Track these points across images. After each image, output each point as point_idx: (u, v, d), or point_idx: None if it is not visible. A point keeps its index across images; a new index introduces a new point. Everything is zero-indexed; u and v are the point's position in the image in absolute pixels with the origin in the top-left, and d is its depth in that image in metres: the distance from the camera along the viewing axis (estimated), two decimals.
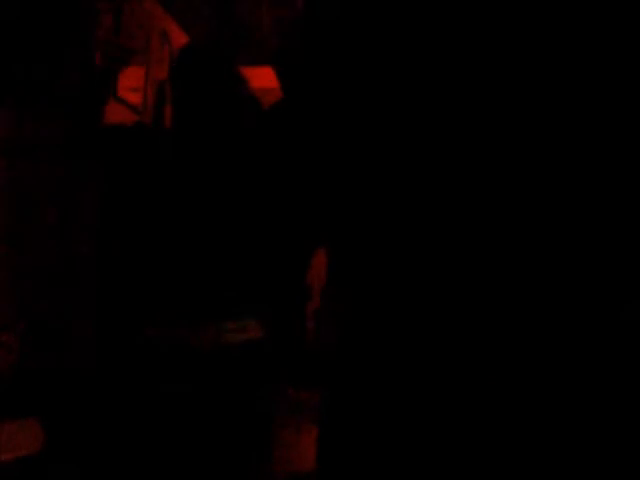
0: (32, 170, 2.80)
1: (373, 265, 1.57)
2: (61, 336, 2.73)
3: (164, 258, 2.71)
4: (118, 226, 2.72)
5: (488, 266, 1.50)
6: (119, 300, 2.72)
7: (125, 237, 2.72)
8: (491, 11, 1.45)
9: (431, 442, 1.53)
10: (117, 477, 2.65)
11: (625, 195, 1.49)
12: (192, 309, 2.69)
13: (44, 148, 2.81)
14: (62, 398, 2.69)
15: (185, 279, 2.70)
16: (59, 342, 2.73)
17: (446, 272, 1.52)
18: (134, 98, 3.11)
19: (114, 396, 2.67)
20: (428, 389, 1.53)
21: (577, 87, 1.47)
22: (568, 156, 1.50)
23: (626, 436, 1.53)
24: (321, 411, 1.64)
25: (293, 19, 1.58)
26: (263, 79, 2.85)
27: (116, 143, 2.79)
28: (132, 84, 3.14)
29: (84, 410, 2.68)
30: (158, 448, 2.67)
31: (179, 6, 3.34)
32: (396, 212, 1.54)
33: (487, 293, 1.50)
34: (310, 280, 2.77)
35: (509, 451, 1.54)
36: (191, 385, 2.63)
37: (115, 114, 3.03)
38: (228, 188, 2.70)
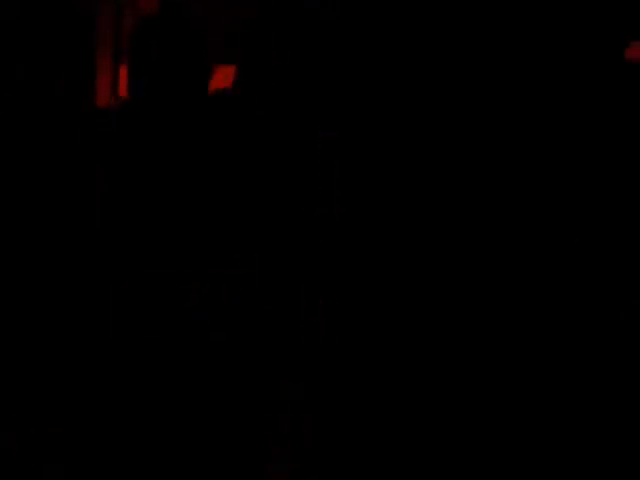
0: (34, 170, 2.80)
1: (371, 262, 1.57)
2: (65, 336, 2.73)
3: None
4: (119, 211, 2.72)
5: (483, 266, 1.50)
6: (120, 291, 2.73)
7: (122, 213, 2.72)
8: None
9: (431, 439, 1.54)
10: (116, 476, 2.65)
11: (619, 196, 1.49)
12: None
13: (44, 148, 2.81)
14: (63, 398, 2.69)
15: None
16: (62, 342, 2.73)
17: (444, 270, 1.52)
18: None
19: (114, 396, 2.68)
20: (427, 386, 1.53)
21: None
22: (569, 157, 1.50)
23: (624, 434, 1.53)
24: (322, 409, 1.64)
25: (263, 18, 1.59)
26: None
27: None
28: None
29: (84, 410, 2.68)
30: (157, 447, 2.67)
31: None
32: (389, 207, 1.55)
33: (484, 292, 1.51)
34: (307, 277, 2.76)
35: (505, 447, 1.54)
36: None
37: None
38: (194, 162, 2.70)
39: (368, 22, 1.52)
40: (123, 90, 3.26)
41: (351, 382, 1.60)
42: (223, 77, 2.98)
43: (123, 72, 3.26)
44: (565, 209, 1.50)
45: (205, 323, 2.71)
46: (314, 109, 1.63)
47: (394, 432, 1.56)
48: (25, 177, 2.77)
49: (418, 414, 1.53)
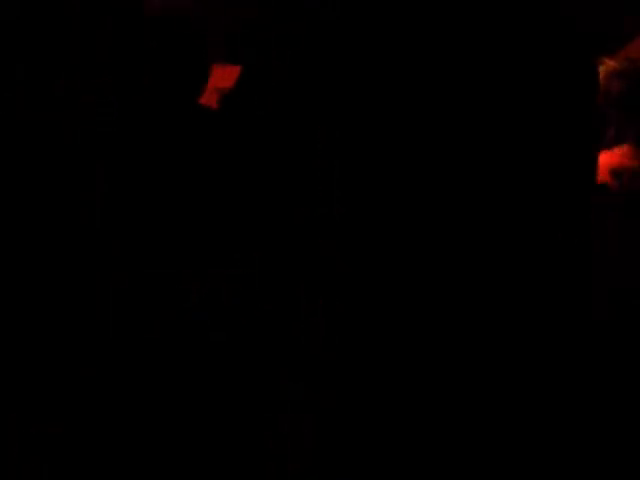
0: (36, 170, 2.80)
1: (371, 262, 1.57)
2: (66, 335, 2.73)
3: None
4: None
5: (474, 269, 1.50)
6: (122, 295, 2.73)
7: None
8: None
9: (431, 439, 1.54)
10: (116, 476, 2.65)
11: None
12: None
13: (44, 147, 2.81)
14: (63, 398, 2.69)
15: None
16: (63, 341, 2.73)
17: (445, 270, 1.52)
18: None
19: (114, 396, 2.68)
20: (428, 386, 1.53)
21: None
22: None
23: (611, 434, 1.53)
24: (322, 409, 1.64)
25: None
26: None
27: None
28: None
29: (84, 410, 2.68)
30: (157, 447, 2.67)
31: None
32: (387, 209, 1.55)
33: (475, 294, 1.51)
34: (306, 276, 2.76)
35: (505, 447, 1.54)
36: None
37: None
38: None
39: (368, 22, 1.52)
40: None
41: (351, 382, 1.60)
42: (223, 77, 2.98)
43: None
44: (566, 205, 1.50)
45: (205, 323, 2.71)
46: (314, 109, 1.63)
47: (394, 432, 1.56)
48: (25, 177, 2.77)
49: (418, 414, 1.53)
